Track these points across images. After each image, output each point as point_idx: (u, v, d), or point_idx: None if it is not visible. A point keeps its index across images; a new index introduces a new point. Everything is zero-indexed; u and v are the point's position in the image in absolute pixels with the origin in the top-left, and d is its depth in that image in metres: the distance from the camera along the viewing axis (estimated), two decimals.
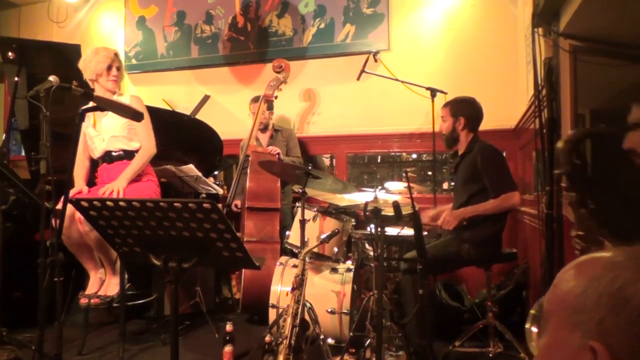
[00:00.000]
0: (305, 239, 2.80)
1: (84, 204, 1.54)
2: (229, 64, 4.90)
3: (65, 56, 3.70)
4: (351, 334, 2.73)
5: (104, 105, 2.24)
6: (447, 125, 2.98)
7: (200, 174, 3.52)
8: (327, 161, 5.06)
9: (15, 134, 4.56)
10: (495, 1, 4.09)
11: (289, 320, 2.33)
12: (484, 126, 3.04)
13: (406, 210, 2.45)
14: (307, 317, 2.53)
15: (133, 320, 3.53)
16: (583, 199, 1.45)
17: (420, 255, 2.36)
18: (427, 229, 3.08)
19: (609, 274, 0.65)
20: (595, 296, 0.64)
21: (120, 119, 2.78)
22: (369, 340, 2.58)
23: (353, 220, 3.28)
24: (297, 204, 3.06)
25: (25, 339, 2.69)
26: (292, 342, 2.27)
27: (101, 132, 3.01)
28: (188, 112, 4.37)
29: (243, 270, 3.42)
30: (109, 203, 1.51)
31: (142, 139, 3.03)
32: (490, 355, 2.75)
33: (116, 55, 3.05)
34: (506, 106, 3.87)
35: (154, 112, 3.17)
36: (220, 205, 1.44)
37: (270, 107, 4.10)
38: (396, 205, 2.32)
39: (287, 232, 3.23)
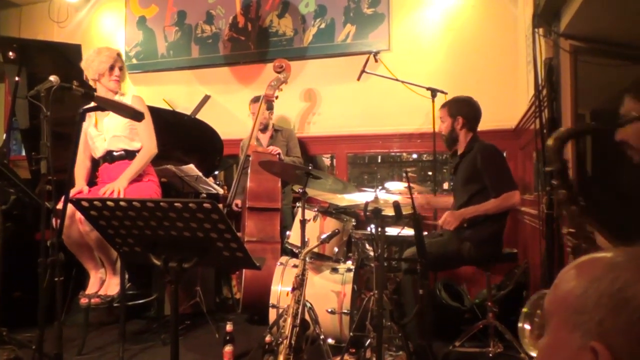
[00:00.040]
0: (306, 239, 2.80)
1: (85, 203, 1.54)
2: (229, 64, 4.91)
3: (65, 56, 3.71)
4: (351, 334, 2.73)
5: (105, 105, 2.24)
6: (446, 126, 2.98)
7: (200, 173, 3.52)
8: (327, 161, 5.06)
9: (16, 134, 4.57)
10: (495, 1, 4.09)
11: (289, 320, 2.33)
12: (484, 126, 3.03)
13: (406, 211, 2.45)
14: (307, 317, 2.53)
15: (133, 320, 3.53)
16: (573, 196, 1.45)
17: (420, 255, 2.36)
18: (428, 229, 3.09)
19: (610, 274, 0.65)
20: (596, 297, 0.64)
21: (122, 119, 2.78)
22: (369, 340, 2.57)
23: (353, 220, 3.28)
24: (298, 204, 3.06)
25: (26, 339, 2.69)
26: (293, 342, 2.27)
27: (103, 132, 3.02)
28: (188, 112, 4.37)
29: (243, 270, 3.42)
30: (109, 203, 1.51)
31: (143, 139, 3.03)
32: (490, 355, 2.75)
33: (119, 55, 3.06)
34: (506, 106, 3.87)
35: (154, 112, 3.17)
36: (220, 205, 1.44)
37: (270, 107, 4.09)
38: (396, 206, 2.32)
39: (288, 232, 3.23)
